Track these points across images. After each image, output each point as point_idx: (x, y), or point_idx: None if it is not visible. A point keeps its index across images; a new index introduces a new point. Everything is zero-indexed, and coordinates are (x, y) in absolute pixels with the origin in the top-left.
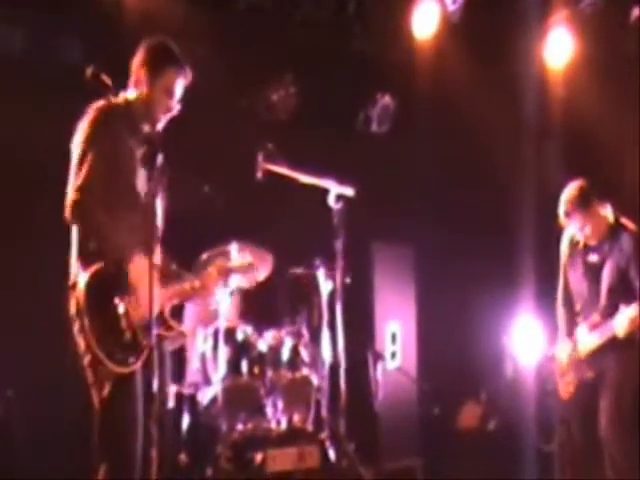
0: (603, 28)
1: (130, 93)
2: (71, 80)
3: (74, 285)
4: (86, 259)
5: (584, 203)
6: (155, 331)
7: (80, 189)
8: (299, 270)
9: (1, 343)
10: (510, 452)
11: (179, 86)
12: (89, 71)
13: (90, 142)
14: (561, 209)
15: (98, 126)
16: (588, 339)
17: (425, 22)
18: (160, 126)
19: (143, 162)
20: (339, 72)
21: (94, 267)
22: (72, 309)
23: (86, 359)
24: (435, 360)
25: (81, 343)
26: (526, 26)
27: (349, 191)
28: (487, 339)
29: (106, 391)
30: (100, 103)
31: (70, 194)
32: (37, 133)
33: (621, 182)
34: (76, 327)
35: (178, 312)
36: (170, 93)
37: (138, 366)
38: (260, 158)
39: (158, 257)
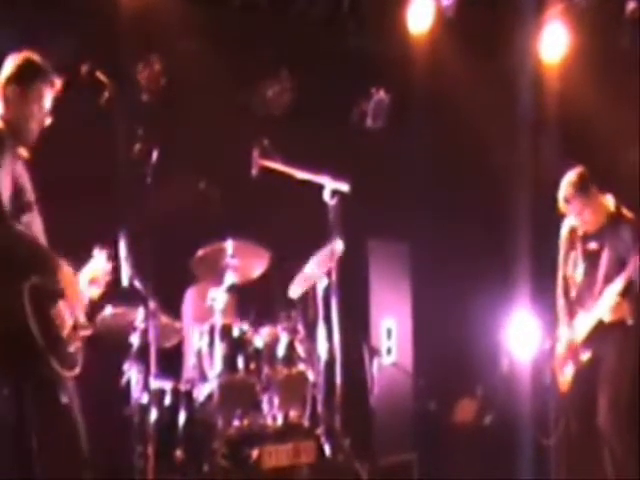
0: (598, 22)
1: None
2: (66, 78)
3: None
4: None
5: (583, 189)
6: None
7: None
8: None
9: None
10: (506, 447)
11: (49, 98)
12: (84, 69)
13: None
14: (561, 194)
15: None
16: (583, 323)
17: (420, 17)
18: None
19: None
20: (334, 67)
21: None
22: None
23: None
24: (431, 355)
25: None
26: (521, 20)
27: (344, 187)
28: (483, 334)
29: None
30: None
31: None
32: None
33: (617, 175)
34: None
35: (175, 309)
36: (42, 107)
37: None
38: (255, 154)
39: None
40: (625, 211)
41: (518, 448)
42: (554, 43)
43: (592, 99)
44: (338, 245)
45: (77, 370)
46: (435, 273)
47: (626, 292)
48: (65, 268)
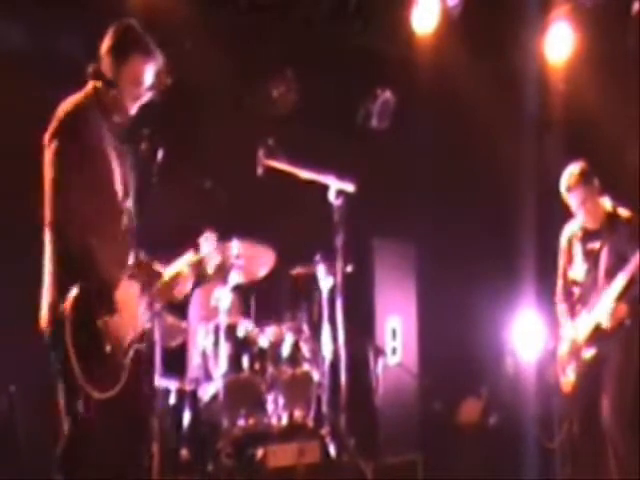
0: (603, 22)
1: (98, 82)
2: (72, 76)
3: (54, 304)
4: (67, 280)
5: (586, 179)
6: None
7: (61, 208)
8: (300, 268)
9: (2, 338)
10: (510, 447)
11: (148, 72)
12: (91, 68)
13: (65, 153)
14: (563, 184)
15: (71, 133)
16: (586, 323)
17: (425, 17)
18: (132, 113)
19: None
20: (339, 68)
21: (78, 286)
22: (48, 327)
23: (60, 382)
24: (435, 355)
25: (57, 365)
26: (527, 20)
27: (349, 187)
28: (488, 335)
29: (79, 418)
30: (69, 103)
31: (49, 213)
32: (37, 128)
33: (621, 175)
34: (54, 350)
35: (181, 309)
36: (137, 80)
37: (115, 392)
38: (261, 154)
39: (133, 257)
40: (621, 210)
41: (522, 448)
42: (559, 43)
43: (597, 99)
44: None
45: (112, 392)
46: (440, 273)
47: (625, 294)
48: (124, 283)
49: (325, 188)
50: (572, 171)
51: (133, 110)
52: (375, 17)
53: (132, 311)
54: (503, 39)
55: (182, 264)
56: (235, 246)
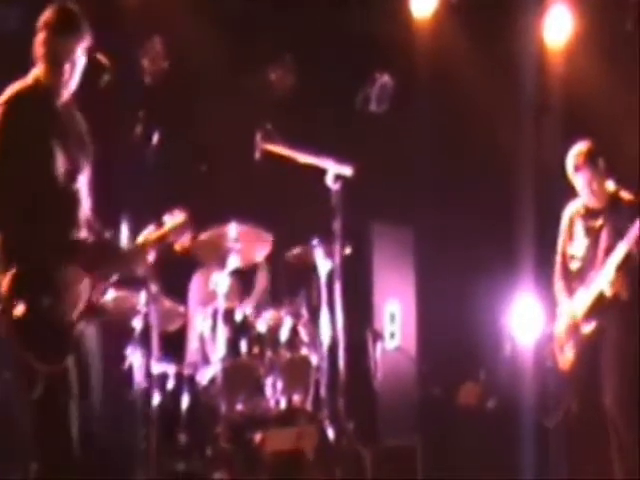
0: (602, 6)
1: (37, 69)
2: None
3: None
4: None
5: (592, 159)
6: (92, 320)
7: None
8: (297, 250)
9: None
10: (509, 430)
11: (79, 51)
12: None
13: (5, 141)
14: (570, 164)
15: (11, 121)
16: (584, 298)
17: (423, 1)
18: (69, 93)
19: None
20: (338, 51)
21: (15, 267)
22: None
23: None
24: (434, 340)
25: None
26: (525, 4)
27: (347, 171)
28: (486, 319)
29: (38, 391)
30: (10, 91)
31: None
32: None
33: (619, 158)
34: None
35: (181, 293)
36: (67, 61)
37: (69, 364)
38: (258, 138)
39: (84, 233)
40: (624, 193)
41: (521, 432)
42: (558, 26)
43: (595, 83)
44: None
45: (62, 365)
46: (439, 257)
47: (624, 265)
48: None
49: (323, 172)
50: (579, 151)
51: (70, 91)
52: (374, 1)
53: (75, 290)
54: (501, 22)
55: (142, 239)
56: (233, 229)
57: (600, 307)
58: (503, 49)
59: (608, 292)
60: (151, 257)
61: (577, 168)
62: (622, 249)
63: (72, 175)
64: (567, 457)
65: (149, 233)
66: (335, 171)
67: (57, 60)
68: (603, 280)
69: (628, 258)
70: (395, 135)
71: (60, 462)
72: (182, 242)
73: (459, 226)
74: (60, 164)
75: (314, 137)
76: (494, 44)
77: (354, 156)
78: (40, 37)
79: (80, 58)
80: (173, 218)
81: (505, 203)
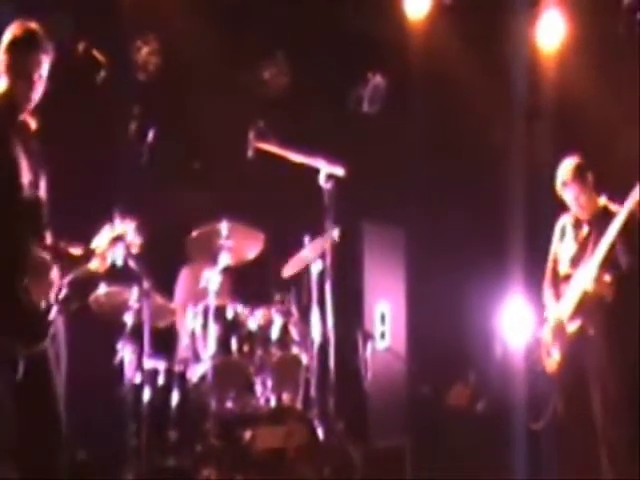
0: (595, 9)
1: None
2: (62, 56)
3: None
4: None
5: (581, 175)
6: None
7: None
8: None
9: None
10: (498, 432)
11: (42, 66)
12: (81, 46)
13: None
14: (559, 179)
15: None
16: (570, 297)
17: (418, 2)
18: (32, 106)
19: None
20: (331, 51)
21: None
22: None
23: None
24: (424, 340)
25: None
26: (518, 7)
27: (339, 171)
28: (477, 320)
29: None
30: None
31: None
32: None
33: (612, 163)
34: None
35: (171, 289)
36: (27, 75)
37: (47, 346)
38: (251, 136)
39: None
40: (613, 206)
41: (511, 433)
42: (551, 30)
43: (588, 87)
44: (335, 233)
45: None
46: (430, 258)
47: (607, 262)
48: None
49: (315, 172)
50: (567, 166)
51: (33, 104)
52: (368, 1)
53: (48, 276)
54: (494, 26)
55: (98, 240)
56: (224, 227)
57: (584, 306)
58: (496, 51)
59: (590, 289)
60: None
61: (565, 183)
62: (604, 246)
63: (36, 184)
64: (557, 458)
65: (106, 234)
66: (327, 171)
67: (21, 75)
68: (587, 277)
69: (611, 253)
70: (387, 135)
71: (43, 444)
72: (135, 245)
73: (450, 227)
74: (25, 174)
75: (307, 136)
76: (487, 46)
77: (346, 156)
78: (4, 53)
79: (42, 73)
80: (123, 224)
81: (496, 204)
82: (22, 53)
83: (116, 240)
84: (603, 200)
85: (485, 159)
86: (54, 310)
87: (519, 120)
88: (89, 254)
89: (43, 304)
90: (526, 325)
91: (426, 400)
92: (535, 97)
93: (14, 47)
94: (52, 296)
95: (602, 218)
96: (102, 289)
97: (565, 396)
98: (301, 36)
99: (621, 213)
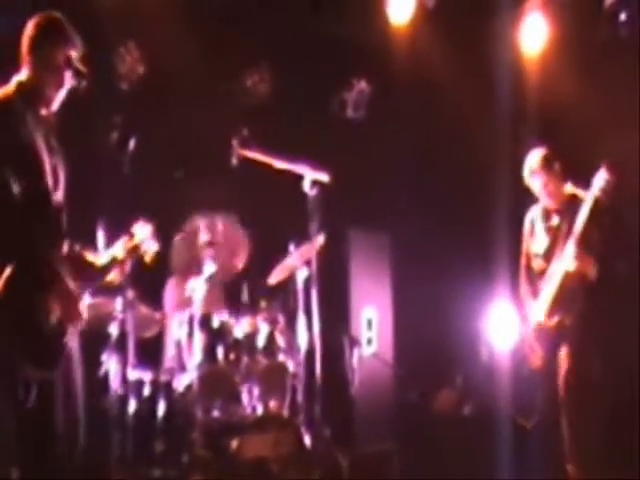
0: (578, 14)
1: (22, 75)
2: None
3: None
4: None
5: (548, 163)
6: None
7: None
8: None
9: None
10: (486, 436)
11: (67, 59)
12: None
13: None
14: (526, 169)
15: None
16: (547, 291)
17: (401, 7)
18: (56, 104)
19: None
20: (315, 57)
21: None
22: None
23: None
24: (411, 346)
25: None
26: (501, 11)
27: (324, 177)
28: (463, 325)
29: (28, 396)
30: None
31: None
32: None
33: (596, 166)
34: None
35: (156, 298)
36: (56, 68)
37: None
38: (235, 144)
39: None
40: (581, 193)
41: (498, 437)
42: (534, 34)
43: (571, 90)
44: (320, 239)
45: (52, 372)
46: (416, 263)
47: (586, 238)
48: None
49: (300, 178)
50: (534, 156)
51: (58, 100)
52: (351, 7)
53: (65, 291)
54: (478, 30)
55: (116, 250)
56: (207, 235)
57: (565, 293)
58: (479, 56)
59: (572, 268)
60: (126, 267)
61: (533, 172)
62: (580, 223)
63: (56, 185)
64: (545, 459)
65: (124, 244)
66: (312, 177)
67: (47, 66)
68: (567, 257)
69: (588, 230)
70: (372, 141)
71: (44, 468)
72: (150, 252)
73: (436, 232)
74: (48, 173)
75: (291, 143)
76: (471, 50)
77: (331, 162)
78: (28, 43)
79: (73, 67)
80: (141, 229)
81: (481, 209)
82: (49, 44)
83: (134, 250)
84: (570, 188)
85: (470, 164)
86: (69, 332)
87: (504, 123)
88: (110, 265)
89: (60, 329)
90: (512, 328)
91: (413, 405)
92: (519, 100)
93: (37, 37)
94: (76, 327)
95: (571, 206)
96: (86, 300)
97: (546, 393)
98: (284, 43)
99: (588, 198)
